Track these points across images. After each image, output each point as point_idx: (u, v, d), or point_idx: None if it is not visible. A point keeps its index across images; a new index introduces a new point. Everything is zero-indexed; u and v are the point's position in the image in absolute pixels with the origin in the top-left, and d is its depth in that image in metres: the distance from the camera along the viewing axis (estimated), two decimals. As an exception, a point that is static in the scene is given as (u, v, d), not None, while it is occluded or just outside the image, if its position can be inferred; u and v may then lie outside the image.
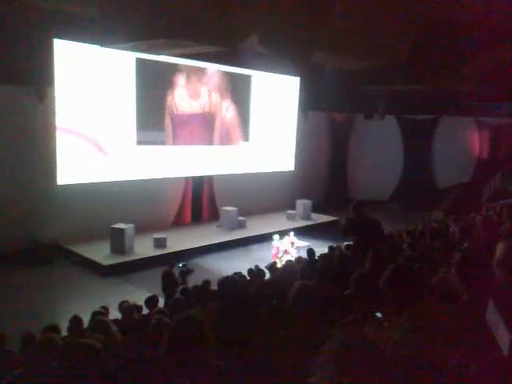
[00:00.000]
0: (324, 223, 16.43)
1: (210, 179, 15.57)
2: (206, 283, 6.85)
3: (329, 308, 2.23)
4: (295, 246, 11.25)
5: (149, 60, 12.06)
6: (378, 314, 2.44)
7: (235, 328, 3.05)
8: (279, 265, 10.00)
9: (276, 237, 11.34)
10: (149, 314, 5.49)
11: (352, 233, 5.83)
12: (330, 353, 0.93)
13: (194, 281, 7.99)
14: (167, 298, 8.05)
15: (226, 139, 15.27)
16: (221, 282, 4.36)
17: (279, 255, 10.95)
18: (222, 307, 3.55)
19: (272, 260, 10.61)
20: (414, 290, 2.36)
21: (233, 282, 3.72)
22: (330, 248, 8.88)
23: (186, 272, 8.60)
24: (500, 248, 2.33)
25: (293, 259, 9.93)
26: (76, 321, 4.91)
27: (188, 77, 13.71)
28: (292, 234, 11.57)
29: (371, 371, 0.86)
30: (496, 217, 8.40)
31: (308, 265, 6.90)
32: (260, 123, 16.20)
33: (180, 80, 13.53)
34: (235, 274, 7.26)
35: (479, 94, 15.38)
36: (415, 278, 2.48)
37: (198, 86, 14.02)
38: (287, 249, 11.08)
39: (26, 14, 9.53)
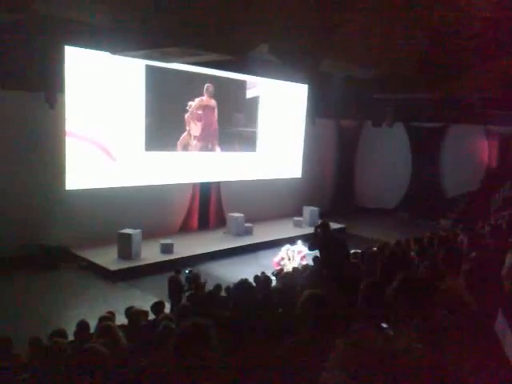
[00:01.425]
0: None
1: (217, 185, 15.60)
2: (217, 288, 6.85)
3: (336, 317, 2.23)
4: (302, 254, 11.17)
5: (158, 67, 12.16)
6: (384, 325, 2.42)
7: (245, 334, 3.04)
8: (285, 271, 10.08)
9: (285, 247, 11.32)
10: (155, 319, 5.49)
11: (320, 250, 6.35)
12: (338, 360, 0.93)
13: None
14: (173, 303, 8.05)
15: (234, 146, 15.31)
16: (235, 287, 4.31)
17: (281, 263, 10.91)
18: (235, 313, 3.54)
19: (274, 267, 10.62)
20: (421, 299, 2.34)
21: (248, 287, 3.70)
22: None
23: (193, 278, 8.59)
24: (509, 259, 2.32)
25: (297, 265, 9.95)
26: (83, 326, 4.93)
27: (197, 83, 13.79)
28: (300, 242, 11.51)
29: (381, 378, 0.86)
30: (505, 226, 8.32)
31: (314, 272, 6.88)
32: (268, 130, 16.23)
33: (190, 87, 13.61)
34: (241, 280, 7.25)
35: (488, 102, 15.30)
36: (423, 287, 2.46)
37: (207, 93, 14.08)
38: (292, 257, 11.03)
39: (38, 21, 9.66)
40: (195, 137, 14.05)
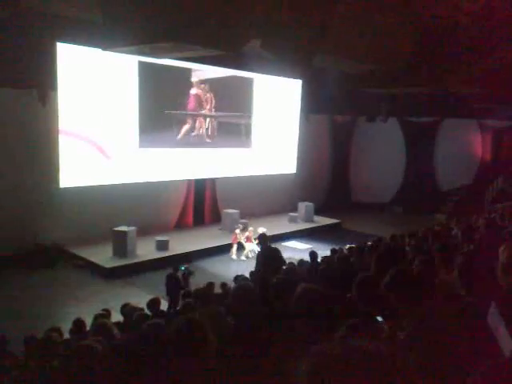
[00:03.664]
0: (326, 226, 16.40)
1: (212, 182, 15.58)
2: (210, 286, 6.83)
3: (331, 311, 2.23)
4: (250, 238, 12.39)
5: (151, 63, 12.09)
6: (379, 318, 2.44)
7: (241, 332, 3.04)
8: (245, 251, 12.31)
9: (238, 229, 12.62)
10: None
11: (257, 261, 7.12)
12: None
13: (195, 283, 7.99)
14: (171, 301, 8.05)
15: (228, 142, 15.27)
16: (237, 287, 4.27)
17: (241, 240, 12.44)
18: (234, 310, 3.53)
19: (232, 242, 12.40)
20: (415, 292, 2.36)
21: (249, 287, 3.70)
22: (333, 251, 8.87)
23: (188, 274, 8.59)
24: (505, 252, 2.32)
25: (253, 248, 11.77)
26: (78, 323, 4.92)
27: (191, 79, 13.74)
28: (251, 228, 12.67)
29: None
30: (499, 219, 8.39)
31: (310, 267, 6.90)
32: (262, 126, 16.20)
33: (183, 83, 13.56)
34: (237, 276, 7.27)
35: (482, 96, 15.34)
36: (417, 280, 2.48)
37: (200, 89, 14.03)
38: (249, 237, 12.42)
39: (29, 17, 9.57)
40: (186, 132, 14.01)
